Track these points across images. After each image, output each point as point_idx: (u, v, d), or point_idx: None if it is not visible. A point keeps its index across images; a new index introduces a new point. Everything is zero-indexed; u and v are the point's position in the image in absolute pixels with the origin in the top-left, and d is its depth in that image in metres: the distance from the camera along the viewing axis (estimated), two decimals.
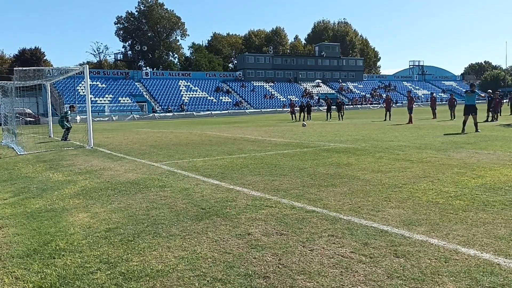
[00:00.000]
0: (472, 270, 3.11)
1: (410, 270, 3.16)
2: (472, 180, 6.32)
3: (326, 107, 35.45)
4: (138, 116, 53.99)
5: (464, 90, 16.89)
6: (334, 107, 33.02)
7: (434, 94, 29.56)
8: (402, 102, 73.42)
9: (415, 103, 27.37)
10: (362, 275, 3.11)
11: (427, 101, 71.35)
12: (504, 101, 37.38)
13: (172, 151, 11.92)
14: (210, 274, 3.22)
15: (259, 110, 63.42)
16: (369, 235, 3.98)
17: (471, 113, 15.48)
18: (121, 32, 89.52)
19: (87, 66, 14.48)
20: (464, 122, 15.52)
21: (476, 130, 15.00)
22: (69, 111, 19.71)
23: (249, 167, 8.41)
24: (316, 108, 60.27)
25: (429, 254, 3.44)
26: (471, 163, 7.91)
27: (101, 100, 57.74)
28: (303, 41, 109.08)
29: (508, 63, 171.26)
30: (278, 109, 64.34)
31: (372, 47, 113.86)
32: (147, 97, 62.56)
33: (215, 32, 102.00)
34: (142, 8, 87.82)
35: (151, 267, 3.39)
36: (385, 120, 26.49)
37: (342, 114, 31.31)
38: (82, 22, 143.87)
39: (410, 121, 22.11)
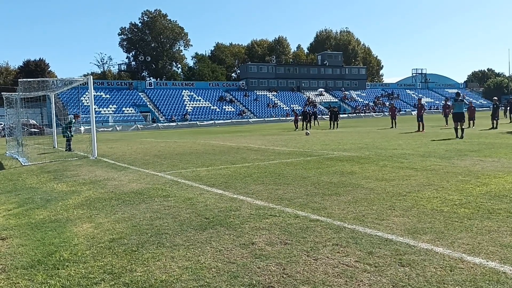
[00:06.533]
0: (478, 279, 3.09)
1: (415, 279, 3.14)
2: (477, 188, 6.29)
3: (329, 116, 35.34)
4: (141, 126, 54.17)
5: (454, 99, 17.42)
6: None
7: (449, 102, 29.26)
8: (405, 110, 73.40)
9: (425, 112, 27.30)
10: (367, 285, 3.09)
11: (429, 109, 71.43)
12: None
13: (175, 161, 11.93)
14: (214, 284, 3.21)
15: (262, 119, 63.51)
16: (374, 244, 3.96)
17: (461, 120, 16.48)
18: (125, 43, 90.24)
19: (91, 77, 14.60)
20: (456, 129, 16.38)
21: (462, 137, 15.91)
22: (73, 120, 19.85)
23: (253, 176, 8.41)
24: (320, 116, 60.27)
25: (434, 263, 3.42)
26: (476, 171, 7.88)
27: (105, 111, 58.00)
28: (306, 50, 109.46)
29: (511, 71, 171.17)
30: (281, 118, 64.42)
31: (375, 56, 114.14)
32: (150, 107, 62.82)
33: (218, 42, 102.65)
34: (146, 19, 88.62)
35: (155, 278, 3.39)
36: (392, 127, 26.64)
37: (337, 123, 31.28)
38: (86, 34, 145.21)
39: (419, 129, 21.74)
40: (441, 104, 78.55)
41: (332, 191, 6.51)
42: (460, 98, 17.48)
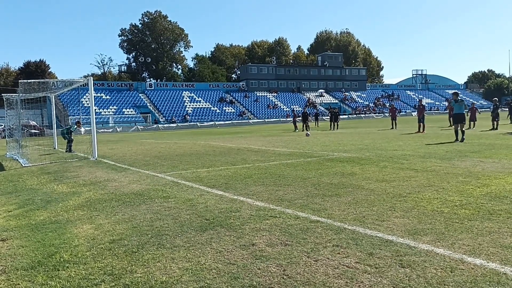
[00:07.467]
0: (479, 280, 3.08)
1: (415, 280, 3.14)
2: (477, 189, 6.29)
3: (329, 117, 35.35)
4: (142, 127, 54.21)
5: (454, 100, 16.55)
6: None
7: (450, 104, 29.16)
8: (405, 111, 73.39)
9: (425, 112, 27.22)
10: (367, 286, 3.09)
11: (429, 110, 71.42)
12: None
13: (176, 162, 11.93)
14: (215, 286, 3.21)
15: (263, 120, 63.56)
16: (374, 245, 3.96)
17: (462, 121, 15.56)
18: (125, 44, 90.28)
19: (92, 78, 14.61)
20: (456, 131, 15.56)
21: (463, 139, 14.98)
22: (75, 126, 20.01)
23: (253, 177, 8.41)
24: (320, 117, 60.24)
25: (434, 264, 3.42)
26: (476, 172, 7.87)
27: (105, 112, 58.05)
28: (306, 51, 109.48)
29: None
30: (281, 119, 64.44)
31: (375, 57, 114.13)
32: (151, 108, 62.87)
33: (218, 43, 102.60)
34: (146, 20, 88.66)
35: (155, 279, 3.39)
36: (392, 128, 26.65)
37: (337, 124, 31.33)
38: (86, 35, 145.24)
39: (419, 129, 21.71)
40: (441, 105, 78.75)
41: (332, 192, 6.51)
42: (459, 98, 16.92)
